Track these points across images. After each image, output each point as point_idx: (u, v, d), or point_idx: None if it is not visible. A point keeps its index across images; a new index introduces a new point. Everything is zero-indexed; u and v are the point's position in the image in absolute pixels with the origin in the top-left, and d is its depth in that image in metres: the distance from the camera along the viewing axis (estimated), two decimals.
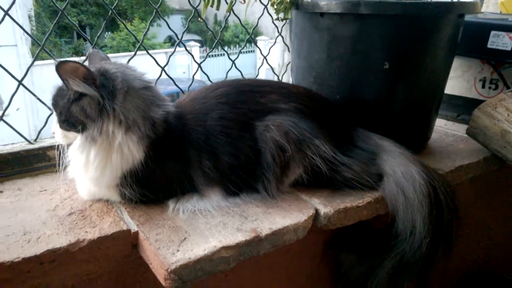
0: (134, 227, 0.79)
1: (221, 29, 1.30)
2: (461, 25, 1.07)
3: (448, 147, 1.22)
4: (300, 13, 1.09)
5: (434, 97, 1.13)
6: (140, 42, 1.11)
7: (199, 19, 1.18)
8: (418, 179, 0.90)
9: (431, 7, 1.01)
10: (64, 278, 0.75)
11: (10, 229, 0.77)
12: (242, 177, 0.89)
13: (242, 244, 0.75)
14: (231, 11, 1.18)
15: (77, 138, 0.83)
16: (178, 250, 0.72)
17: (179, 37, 1.23)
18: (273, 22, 1.26)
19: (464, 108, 1.42)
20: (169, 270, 0.68)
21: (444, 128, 1.37)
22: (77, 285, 0.78)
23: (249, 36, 1.36)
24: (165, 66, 1.18)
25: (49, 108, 0.92)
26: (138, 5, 13.67)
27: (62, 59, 0.77)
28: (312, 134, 0.90)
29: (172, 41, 13.94)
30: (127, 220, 0.81)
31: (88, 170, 0.83)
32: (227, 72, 1.30)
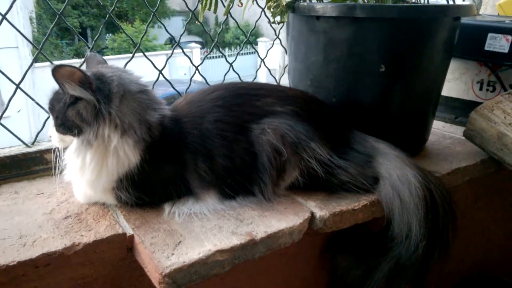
0: (129, 231, 0.79)
1: (219, 31, 1.30)
2: (457, 28, 1.08)
3: (445, 150, 1.22)
4: (297, 16, 1.09)
5: (430, 99, 1.13)
6: (138, 45, 1.11)
7: (196, 22, 1.18)
8: (413, 182, 0.90)
9: (427, 10, 1.02)
10: (60, 282, 0.75)
11: (6, 232, 0.78)
12: (238, 180, 0.89)
13: (237, 247, 0.75)
14: (229, 14, 1.19)
15: (73, 142, 0.83)
16: (172, 254, 0.72)
17: (177, 40, 1.24)
18: (270, 25, 1.26)
19: (462, 110, 1.42)
20: (163, 274, 0.68)
21: (442, 130, 1.37)
22: None
23: (246, 39, 1.36)
24: (162, 69, 1.18)
25: (47, 111, 0.92)
26: (139, 7, 13.69)
27: (58, 63, 0.77)
28: (308, 137, 0.90)
29: (173, 43, 13.96)
30: (122, 224, 0.81)
31: (84, 174, 0.83)
32: (225, 74, 1.31)
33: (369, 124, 1.04)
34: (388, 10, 0.97)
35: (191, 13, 1.19)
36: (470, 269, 1.55)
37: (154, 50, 12.32)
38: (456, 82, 1.40)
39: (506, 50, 1.24)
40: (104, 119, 0.79)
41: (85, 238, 0.76)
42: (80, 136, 0.81)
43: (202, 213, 0.85)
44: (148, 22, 1.20)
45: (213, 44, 1.27)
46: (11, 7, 0.94)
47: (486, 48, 1.28)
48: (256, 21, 1.34)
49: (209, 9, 1.13)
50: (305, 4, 1.04)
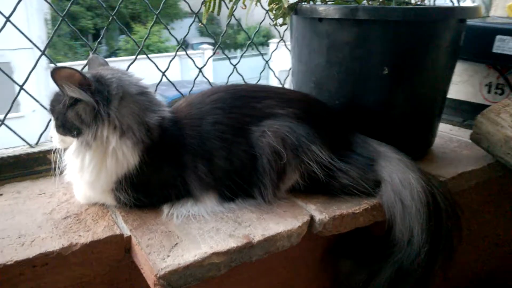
0: (127, 232, 0.80)
1: (223, 33, 1.30)
2: (463, 30, 1.06)
3: (451, 153, 1.20)
4: (300, 18, 1.08)
5: (435, 102, 1.11)
6: (140, 47, 1.12)
7: (200, 24, 1.18)
8: (416, 186, 0.89)
9: (431, 12, 1.00)
10: (57, 282, 0.76)
11: (5, 232, 0.78)
12: (238, 182, 0.89)
13: (233, 250, 0.75)
14: (233, 16, 1.19)
15: (73, 143, 0.84)
16: (168, 256, 0.72)
17: (182, 42, 1.24)
18: (275, 27, 1.25)
19: (470, 113, 1.40)
20: (158, 275, 0.68)
21: (449, 134, 1.35)
22: None
23: (250, 41, 1.36)
24: (165, 70, 1.19)
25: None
26: (151, 9, 13.78)
27: (58, 65, 0.78)
28: (309, 140, 0.89)
29: (186, 44, 14.04)
30: (120, 225, 0.82)
31: (83, 175, 0.83)
32: (228, 76, 1.31)
33: (372, 127, 1.02)
34: (392, 12, 0.96)
35: (194, 16, 1.19)
36: (479, 277, 1.52)
37: (167, 51, 12.39)
38: (464, 85, 1.38)
39: None
40: (103, 120, 0.80)
41: (82, 238, 0.77)
42: (79, 137, 0.81)
43: (201, 215, 0.84)
44: (150, 25, 1.21)
45: (217, 46, 1.27)
46: (14, 9, 0.95)
47: (494, 50, 1.26)
48: (260, 23, 1.34)
49: (212, 11, 1.13)
50: (308, 6, 1.04)
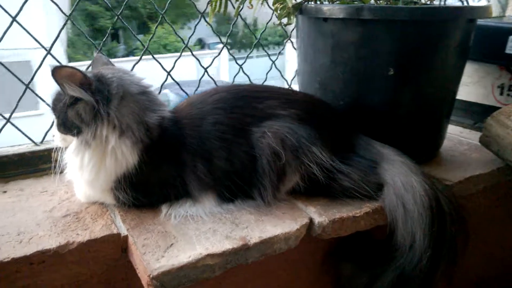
0: (124, 231, 0.80)
1: (228, 34, 1.29)
2: (473, 30, 1.03)
3: (460, 156, 1.17)
4: (305, 18, 1.07)
5: (443, 104, 1.09)
6: (146, 47, 1.13)
7: (206, 24, 1.18)
8: (418, 189, 0.87)
9: (439, 12, 0.98)
10: (54, 279, 0.76)
11: (5, 229, 0.79)
12: (237, 183, 0.88)
13: (228, 252, 0.74)
14: (239, 15, 1.18)
15: (73, 142, 0.84)
16: (163, 256, 0.72)
17: (187, 42, 1.25)
18: (282, 27, 1.24)
19: (481, 115, 1.36)
20: (151, 276, 0.68)
21: (459, 136, 1.32)
22: (66, 287, 0.79)
23: (256, 40, 1.35)
24: (171, 70, 1.19)
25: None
26: (168, 8, 13.91)
27: (58, 65, 0.78)
28: (310, 141, 0.88)
29: (202, 44, 14.11)
30: (118, 224, 0.82)
31: (83, 173, 0.84)
32: (234, 76, 1.30)
33: (377, 129, 1.01)
34: (398, 12, 0.94)
35: (200, 15, 1.19)
36: (486, 282, 1.48)
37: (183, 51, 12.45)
38: (474, 86, 1.35)
39: None
40: (102, 119, 0.80)
41: (80, 237, 0.77)
42: (79, 136, 0.82)
43: (199, 215, 0.84)
44: (156, 24, 1.21)
45: (223, 46, 1.27)
46: (21, 9, 0.97)
47: (507, 51, 1.22)
48: (267, 23, 1.33)
49: (218, 11, 1.13)
50: (312, 5, 1.03)
